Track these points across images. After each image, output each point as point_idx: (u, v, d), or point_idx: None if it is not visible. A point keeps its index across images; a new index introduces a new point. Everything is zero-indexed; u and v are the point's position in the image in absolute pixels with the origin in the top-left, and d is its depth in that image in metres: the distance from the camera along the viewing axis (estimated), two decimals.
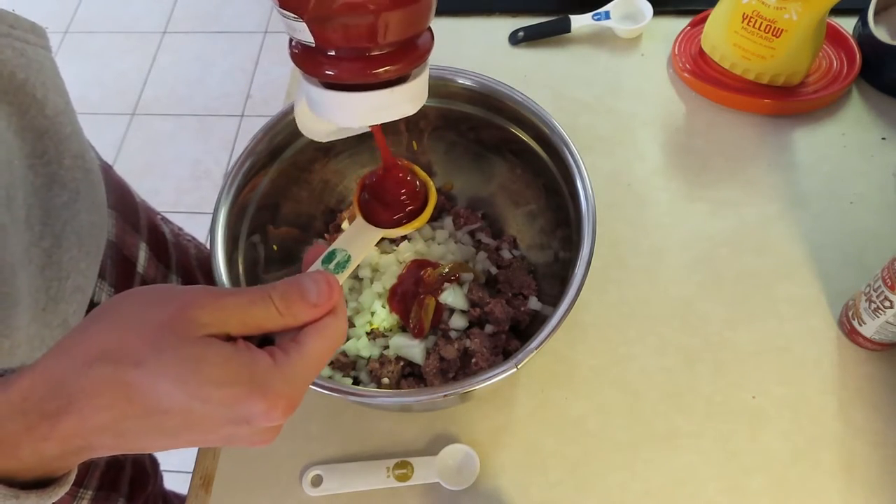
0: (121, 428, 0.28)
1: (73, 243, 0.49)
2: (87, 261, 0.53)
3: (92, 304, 0.54)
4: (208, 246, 0.49)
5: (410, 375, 0.54)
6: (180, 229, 0.77)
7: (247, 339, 0.30)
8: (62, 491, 0.31)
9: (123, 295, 0.30)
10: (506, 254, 0.59)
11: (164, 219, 0.73)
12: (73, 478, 0.31)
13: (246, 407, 0.28)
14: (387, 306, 0.55)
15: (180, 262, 0.73)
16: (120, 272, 0.59)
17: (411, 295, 0.55)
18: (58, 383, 0.28)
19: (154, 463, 0.68)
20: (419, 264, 0.56)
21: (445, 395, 0.43)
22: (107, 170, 0.61)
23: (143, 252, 0.65)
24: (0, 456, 0.28)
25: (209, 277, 0.78)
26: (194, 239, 0.79)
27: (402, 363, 0.53)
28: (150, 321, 0.28)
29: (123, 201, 0.63)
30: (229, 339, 0.29)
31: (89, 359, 0.28)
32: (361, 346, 0.54)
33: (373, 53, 0.31)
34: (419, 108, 0.35)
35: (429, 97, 0.56)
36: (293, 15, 0.29)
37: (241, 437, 0.30)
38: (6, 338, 0.42)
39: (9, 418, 0.27)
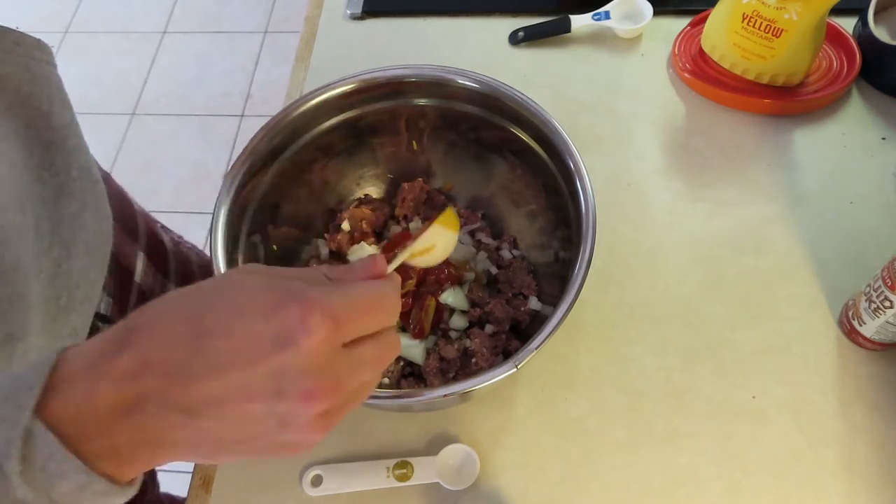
0: (171, 359, 0.27)
1: (81, 253, 0.50)
2: (95, 271, 0.53)
3: (97, 315, 0.54)
4: (208, 246, 0.49)
5: (410, 375, 0.54)
6: (180, 237, 0.77)
7: None
8: (129, 493, 0.29)
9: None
10: (506, 254, 0.59)
11: (163, 227, 0.74)
12: (137, 486, 0.30)
13: (279, 313, 0.27)
14: None
15: (180, 270, 0.73)
16: (117, 281, 0.60)
17: (412, 296, 0.55)
18: (114, 331, 0.28)
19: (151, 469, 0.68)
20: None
21: (445, 396, 0.43)
22: (105, 178, 0.61)
23: (141, 261, 0.65)
24: (60, 400, 0.26)
25: None
26: (195, 247, 0.79)
27: (402, 363, 0.53)
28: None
29: (122, 209, 0.63)
30: None
31: (139, 311, 0.29)
32: None
33: None
34: None
35: (429, 97, 0.57)
36: None
37: (289, 387, 0.27)
38: (20, 341, 0.42)
39: (77, 358, 0.27)
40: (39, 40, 0.48)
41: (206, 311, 0.28)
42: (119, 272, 0.60)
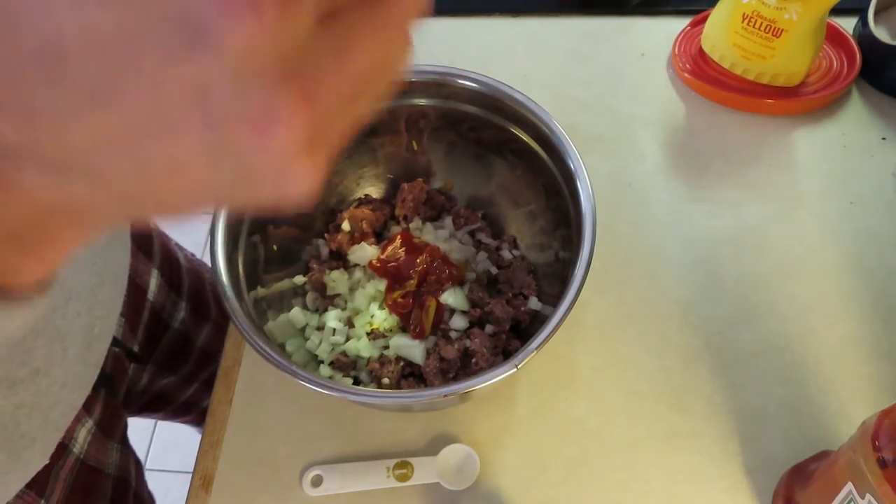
0: (17, 98, 0.16)
1: (111, 281, 0.50)
2: (120, 298, 0.54)
3: (113, 341, 0.55)
4: (208, 246, 0.49)
5: (411, 375, 0.54)
6: (193, 255, 0.78)
7: None
8: (22, 311, 0.21)
9: None
10: (506, 254, 0.59)
11: (177, 245, 0.74)
12: (42, 299, 0.22)
13: None
14: (385, 307, 0.55)
15: (193, 287, 0.73)
16: (130, 301, 0.60)
17: (413, 294, 0.55)
18: None
19: (139, 468, 0.67)
20: (414, 248, 0.56)
21: (445, 395, 0.43)
22: None
23: (155, 279, 0.65)
24: None
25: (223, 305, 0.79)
26: (205, 263, 0.80)
27: (402, 363, 0.53)
28: None
29: (137, 227, 0.64)
30: None
31: None
32: (362, 347, 0.54)
33: None
34: None
35: (429, 97, 0.57)
36: None
37: (222, 93, 0.15)
38: (45, 375, 0.42)
39: None
40: None
41: (30, 8, 0.15)
42: (133, 292, 0.60)
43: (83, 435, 0.53)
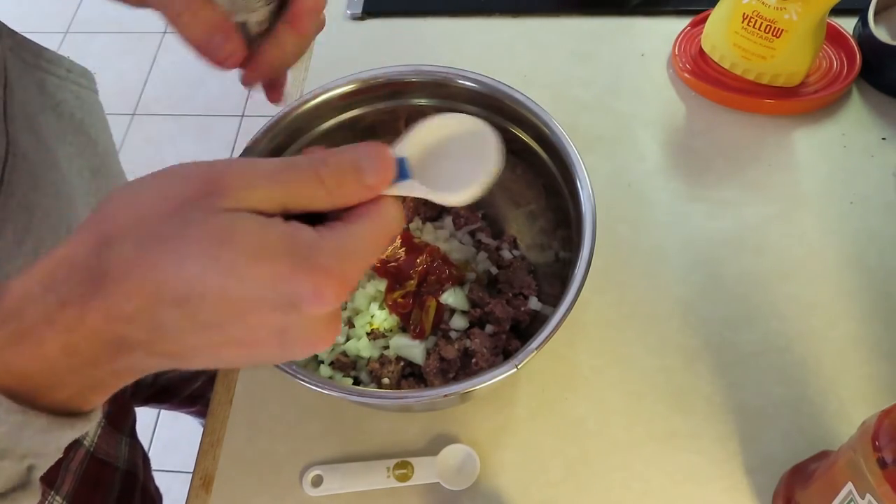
0: (155, 320, 0.24)
1: None
2: None
3: None
4: None
5: (411, 375, 0.54)
6: None
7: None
8: (86, 426, 0.28)
9: (149, 176, 0.26)
10: (506, 254, 0.59)
11: None
12: (98, 414, 0.28)
13: (290, 285, 0.24)
14: (385, 307, 0.55)
15: None
16: None
17: (413, 293, 0.55)
18: (77, 268, 0.24)
19: (146, 462, 0.68)
20: (414, 248, 0.56)
21: (445, 396, 0.43)
22: None
23: None
24: (22, 352, 0.24)
25: None
26: None
27: (402, 363, 0.53)
28: (172, 196, 0.24)
29: None
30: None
31: (107, 239, 0.24)
32: (362, 347, 0.54)
33: None
34: None
35: (429, 97, 0.57)
36: None
37: (295, 329, 0.26)
38: None
39: (29, 303, 0.24)
40: (85, 69, 0.49)
41: (194, 269, 0.24)
42: None
43: (93, 427, 0.54)
